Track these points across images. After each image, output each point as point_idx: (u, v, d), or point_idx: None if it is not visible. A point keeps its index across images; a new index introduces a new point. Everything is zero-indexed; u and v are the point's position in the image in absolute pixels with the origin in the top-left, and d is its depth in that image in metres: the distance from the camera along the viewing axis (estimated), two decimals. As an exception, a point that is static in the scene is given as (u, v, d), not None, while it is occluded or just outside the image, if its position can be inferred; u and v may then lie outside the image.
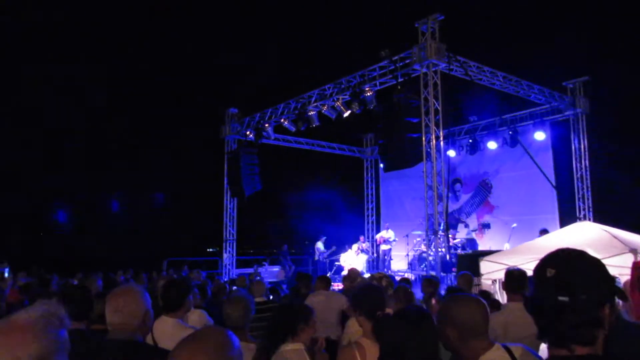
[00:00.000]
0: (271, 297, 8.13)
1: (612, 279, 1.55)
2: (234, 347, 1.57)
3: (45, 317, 1.57)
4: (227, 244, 18.86)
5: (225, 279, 15.87)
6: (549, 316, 1.51)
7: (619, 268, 5.33)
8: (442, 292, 7.36)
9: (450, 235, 13.56)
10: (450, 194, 17.21)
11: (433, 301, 6.53)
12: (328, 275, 16.90)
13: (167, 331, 3.59)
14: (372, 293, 3.69)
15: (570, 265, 1.55)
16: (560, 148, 16.19)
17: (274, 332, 3.41)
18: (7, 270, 13.56)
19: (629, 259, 6.21)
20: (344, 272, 13.56)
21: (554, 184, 15.39)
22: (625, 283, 4.09)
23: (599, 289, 1.51)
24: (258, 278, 9.25)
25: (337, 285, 12.47)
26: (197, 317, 4.64)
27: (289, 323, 3.37)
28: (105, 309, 2.68)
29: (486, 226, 16.78)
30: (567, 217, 14.87)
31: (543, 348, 2.71)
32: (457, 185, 18.44)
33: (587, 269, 1.54)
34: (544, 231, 12.02)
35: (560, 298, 1.48)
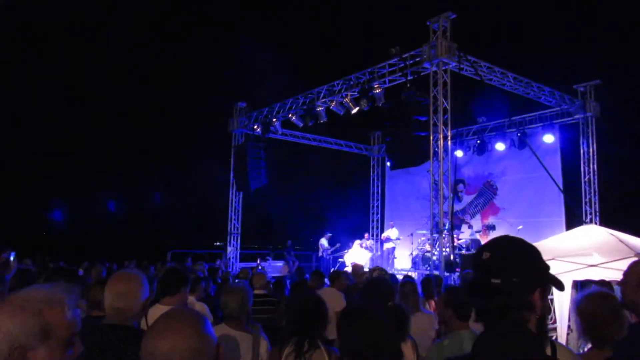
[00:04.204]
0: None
1: (547, 267, 1.60)
2: (210, 333, 1.54)
3: (67, 293, 1.62)
4: (232, 238, 18.86)
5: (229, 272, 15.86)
6: (483, 298, 1.56)
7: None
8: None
9: (454, 236, 13.49)
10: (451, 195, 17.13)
11: (432, 302, 6.48)
12: (332, 271, 16.95)
13: None
14: (381, 285, 3.67)
15: (504, 250, 1.60)
16: (569, 151, 16.08)
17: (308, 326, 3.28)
18: (12, 255, 13.61)
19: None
20: (347, 269, 13.53)
21: (561, 187, 15.27)
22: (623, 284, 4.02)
23: (531, 274, 1.55)
24: (259, 270, 9.22)
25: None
26: (198, 309, 4.61)
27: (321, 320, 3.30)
28: (105, 291, 2.65)
29: (491, 228, 16.66)
30: (573, 220, 14.73)
31: None
32: (460, 186, 18.33)
33: (521, 254, 1.59)
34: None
35: (493, 280, 1.52)
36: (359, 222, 22.05)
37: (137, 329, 2.62)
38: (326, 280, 7.74)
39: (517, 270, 1.53)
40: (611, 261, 6.43)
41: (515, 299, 1.51)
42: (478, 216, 17.95)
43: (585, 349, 2.57)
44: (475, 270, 1.62)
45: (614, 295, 2.64)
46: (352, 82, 14.42)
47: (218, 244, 24.62)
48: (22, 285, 1.64)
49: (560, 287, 1.62)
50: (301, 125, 16.20)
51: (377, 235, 20.67)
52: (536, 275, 1.57)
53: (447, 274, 11.60)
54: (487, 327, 1.56)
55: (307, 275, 9.67)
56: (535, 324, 1.54)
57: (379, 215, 21.69)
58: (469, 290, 1.65)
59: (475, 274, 1.62)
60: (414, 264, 16.52)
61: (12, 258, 12.76)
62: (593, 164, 15.62)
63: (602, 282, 3.73)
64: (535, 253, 1.61)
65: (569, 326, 6.36)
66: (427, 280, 6.95)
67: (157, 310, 3.68)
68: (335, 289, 6.56)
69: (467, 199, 18.42)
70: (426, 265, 14.51)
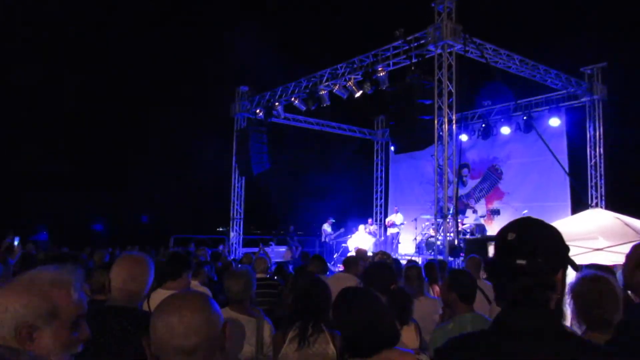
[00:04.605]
0: (275, 277, 8.13)
1: (567, 248, 1.64)
2: (216, 311, 1.60)
3: (73, 275, 1.64)
4: (234, 223, 18.93)
5: (232, 257, 15.94)
6: (506, 279, 1.58)
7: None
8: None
9: (459, 220, 13.51)
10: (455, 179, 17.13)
11: (436, 287, 6.49)
12: (335, 256, 17.03)
13: None
14: (382, 269, 3.69)
15: (530, 230, 1.63)
16: (575, 135, 16.03)
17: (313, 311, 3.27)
18: (17, 239, 13.70)
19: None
20: (350, 254, 13.57)
21: (567, 171, 15.24)
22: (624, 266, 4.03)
23: (555, 255, 1.60)
24: (262, 254, 9.26)
25: (341, 267, 12.46)
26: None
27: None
28: (113, 273, 2.66)
29: (495, 212, 16.68)
30: (579, 205, 14.72)
31: None
32: (465, 170, 18.31)
33: (546, 235, 1.62)
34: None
35: (519, 261, 1.55)
36: (362, 207, 22.07)
37: (146, 312, 2.64)
38: (329, 265, 7.74)
39: (543, 252, 1.56)
40: (617, 245, 6.44)
41: (540, 279, 1.55)
42: (483, 201, 17.96)
43: (580, 333, 2.59)
44: (499, 251, 1.65)
45: (607, 278, 2.66)
46: (355, 65, 14.36)
47: (221, 229, 24.71)
48: (26, 270, 1.65)
49: (577, 268, 1.66)
50: (304, 109, 16.17)
51: (380, 221, 20.73)
52: (560, 256, 1.61)
53: (451, 258, 11.65)
54: (509, 307, 1.59)
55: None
56: (555, 304, 1.58)
57: (382, 200, 21.73)
58: (491, 271, 1.69)
59: (498, 255, 1.65)
60: (418, 249, 16.58)
61: (16, 243, 12.84)
62: (599, 147, 15.58)
63: (597, 266, 3.73)
64: (558, 235, 1.64)
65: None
66: (431, 265, 6.95)
67: (160, 295, 3.71)
68: (351, 274, 6.41)
69: (471, 183, 18.42)
70: (430, 250, 14.55)
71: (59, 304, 1.55)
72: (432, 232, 14.62)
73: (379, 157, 22.02)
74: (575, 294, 2.63)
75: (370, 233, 17.51)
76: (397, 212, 18.15)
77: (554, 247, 1.61)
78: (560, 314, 1.62)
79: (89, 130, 30.74)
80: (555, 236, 1.64)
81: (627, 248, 2.69)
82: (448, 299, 3.70)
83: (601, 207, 14.68)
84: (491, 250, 8.38)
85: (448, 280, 3.82)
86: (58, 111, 28.73)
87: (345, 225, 18.60)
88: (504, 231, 1.65)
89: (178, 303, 1.55)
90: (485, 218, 16.67)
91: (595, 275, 2.68)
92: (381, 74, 13.45)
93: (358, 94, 14.26)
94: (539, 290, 1.55)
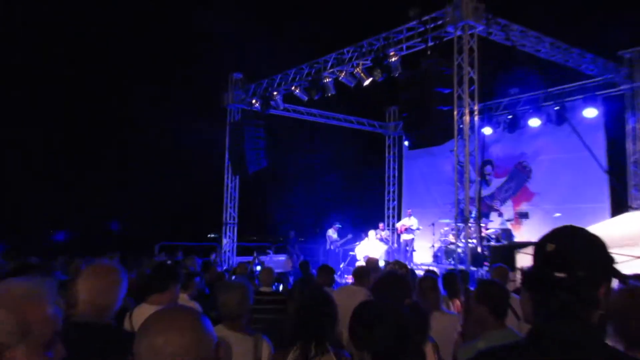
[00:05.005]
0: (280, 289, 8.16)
1: (612, 259, 1.64)
2: (208, 329, 1.59)
3: (46, 288, 1.66)
4: (227, 228, 18.96)
5: (225, 267, 15.96)
6: (544, 293, 1.60)
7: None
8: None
9: (482, 225, 13.50)
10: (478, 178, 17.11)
11: (457, 301, 6.47)
12: (342, 266, 17.03)
13: None
14: (395, 281, 3.68)
15: (571, 241, 1.64)
16: (614, 127, 15.98)
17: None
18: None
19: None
20: (359, 263, 13.59)
21: (605, 168, 15.21)
22: None
23: (598, 268, 1.61)
24: (256, 264, 9.28)
25: (349, 278, 12.47)
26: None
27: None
28: (79, 286, 2.67)
29: (524, 216, 16.65)
30: (619, 206, 14.72)
31: None
32: (488, 168, 18.24)
33: (588, 246, 1.64)
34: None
35: (557, 274, 1.57)
36: (372, 211, 22.09)
37: (118, 328, 2.65)
38: (335, 276, 7.73)
39: (584, 264, 1.58)
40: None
41: (581, 295, 1.56)
42: (509, 202, 17.94)
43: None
44: (536, 263, 1.67)
45: None
46: (364, 49, 14.36)
47: (212, 235, 24.74)
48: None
49: (625, 281, 1.71)
50: (306, 99, 16.19)
51: (393, 225, 20.72)
52: (603, 269, 1.63)
53: (473, 268, 11.64)
54: (547, 320, 1.61)
55: (314, 271, 9.72)
56: (597, 321, 1.60)
57: (395, 203, 21.72)
58: (528, 285, 1.70)
59: (536, 267, 1.67)
60: (436, 257, 16.58)
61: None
62: (641, 141, 15.55)
63: (638, 277, 3.73)
64: (602, 246, 1.66)
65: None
66: (451, 275, 6.93)
67: (145, 310, 3.73)
68: (362, 287, 6.35)
69: (496, 182, 18.39)
70: (450, 259, 14.56)
71: (31, 320, 1.55)
72: (451, 239, 14.63)
73: (391, 153, 22.02)
74: (613, 308, 2.63)
75: (381, 240, 17.52)
76: (410, 215, 18.12)
77: (597, 259, 1.62)
78: (603, 330, 1.64)
79: (51, 123, 30.55)
80: (599, 247, 1.65)
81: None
82: (477, 314, 3.69)
83: (644, 210, 14.65)
84: (519, 259, 8.38)
85: (477, 291, 3.81)
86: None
87: (353, 230, 18.59)
88: (543, 241, 1.67)
89: (165, 321, 1.55)
90: (513, 222, 16.63)
91: (631, 288, 2.69)
92: (393, 59, 13.45)
93: (367, 82, 14.27)
94: (579, 307, 1.56)
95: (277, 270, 15.20)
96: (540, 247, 1.67)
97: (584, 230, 1.69)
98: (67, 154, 30.58)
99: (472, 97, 12.04)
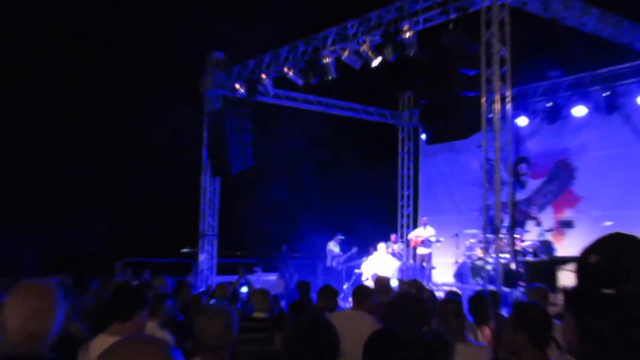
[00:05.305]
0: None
1: None
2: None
3: None
4: (205, 241, 18.94)
5: (202, 289, 15.95)
6: (590, 314, 1.61)
7: None
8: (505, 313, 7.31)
9: (517, 236, 13.51)
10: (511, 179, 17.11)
11: (486, 329, 6.46)
12: (345, 287, 17.00)
13: None
14: (410, 305, 3.67)
15: (618, 250, 1.65)
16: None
17: None
18: None
19: None
20: (367, 283, 13.57)
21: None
22: None
23: None
24: (242, 282, 9.30)
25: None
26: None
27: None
28: (7, 310, 2.65)
29: (567, 225, 16.67)
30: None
31: None
32: (523, 167, 18.19)
33: (639, 256, 1.64)
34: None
35: (605, 291, 1.57)
36: (382, 219, 22.08)
37: None
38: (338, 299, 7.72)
39: (636, 277, 1.57)
40: None
41: (635, 313, 1.55)
42: (549, 208, 17.95)
43: None
44: (579, 279, 1.68)
45: None
46: (372, 23, 14.39)
47: (187, 250, 24.75)
48: None
49: None
50: (301, 83, 16.20)
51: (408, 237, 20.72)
52: None
53: (506, 289, 11.63)
54: (596, 348, 1.60)
55: (313, 294, 9.70)
56: None
57: (410, 209, 21.75)
58: (571, 307, 1.71)
59: (579, 283, 1.68)
60: (460, 276, 16.56)
61: None
62: None
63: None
64: None
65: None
66: (479, 297, 6.91)
67: (104, 342, 3.71)
68: (364, 311, 6.30)
69: (533, 184, 18.41)
70: (477, 278, 14.55)
71: None
72: (479, 253, 14.62)
73: (406, 148, 22.08)
74: None
75: (393, 254, 17.50)
76: (425, 224, 18.07)
77: None
78: None
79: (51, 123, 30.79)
80: None
81: None
82: (515, 344, 3.69)
83: None
84: (562, 277, 8.39)
85: (514, 317, 3.81)
86: None
87: (359, 243, 18.58)
88: (585, 252, 1.68)
89: (126, 354, 1.54)
90: (554, 232, 16.64)
91: None
92: (407, 35, 13.44)
93: (376, 62, 14.27)
94: (632, 328, 1.56)
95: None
96: (582, 259, 1.67)
97: (633, 238, 1.68)
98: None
99: (503, 80, 12.05)
